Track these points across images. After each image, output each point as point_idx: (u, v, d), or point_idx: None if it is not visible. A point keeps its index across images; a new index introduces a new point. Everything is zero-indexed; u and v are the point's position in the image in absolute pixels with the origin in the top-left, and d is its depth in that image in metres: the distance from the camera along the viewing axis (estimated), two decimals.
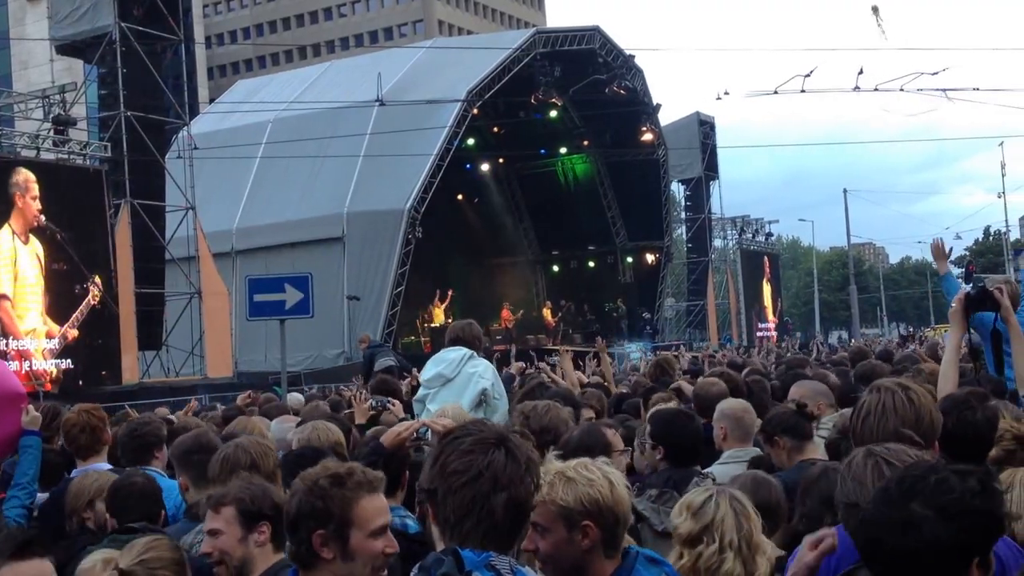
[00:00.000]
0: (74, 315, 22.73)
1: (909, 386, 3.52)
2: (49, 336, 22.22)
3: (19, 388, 6.38)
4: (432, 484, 2.64)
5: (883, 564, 2.35)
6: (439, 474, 2.62)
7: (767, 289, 55.52)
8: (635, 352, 33.11)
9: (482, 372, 7.16)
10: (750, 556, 3.46)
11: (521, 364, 11.88)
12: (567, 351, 11.57)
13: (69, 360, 22.59)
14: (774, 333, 52.80)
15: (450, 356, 7.26)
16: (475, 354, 7.29)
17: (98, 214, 23.90)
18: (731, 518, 3.49)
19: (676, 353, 22.94)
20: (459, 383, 7.06)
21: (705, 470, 5.22)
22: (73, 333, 22.62)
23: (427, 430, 4.94)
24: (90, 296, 23.03)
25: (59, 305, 22.53)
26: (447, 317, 33.83)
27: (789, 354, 22.24)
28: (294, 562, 3.19)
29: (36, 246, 22.20)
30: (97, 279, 23.23)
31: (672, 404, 6.75)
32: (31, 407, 6.16)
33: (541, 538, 2.83)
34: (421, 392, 7.35)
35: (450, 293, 36.07)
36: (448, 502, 2.59)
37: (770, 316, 54.99)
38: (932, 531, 2.26)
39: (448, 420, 5.00)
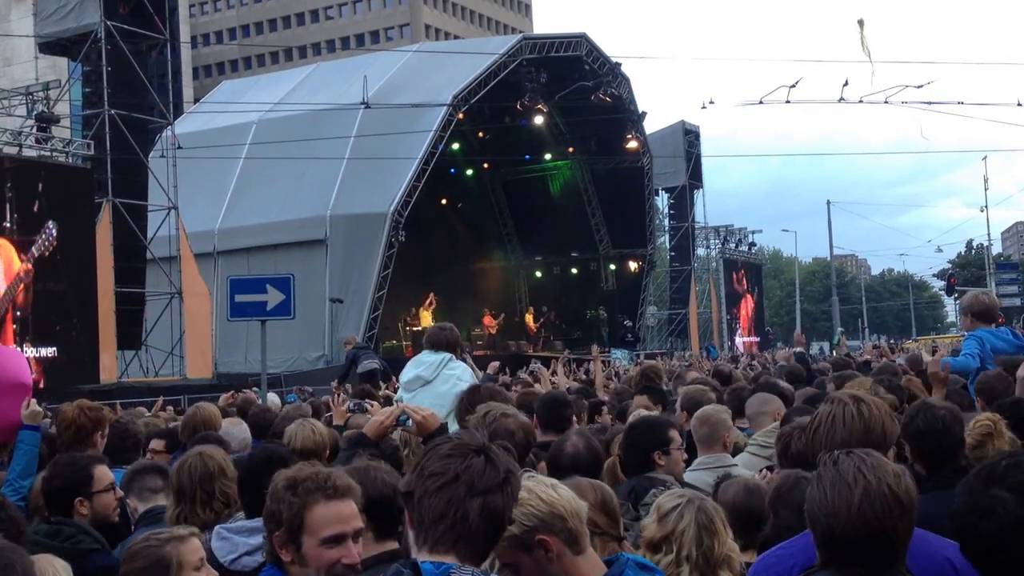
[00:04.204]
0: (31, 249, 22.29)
1: (862, 398, 3.52)
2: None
3: (25, 378, 6.31)
4: (410, 487, 2.62)
5: (976, 551, 2.50)
6: (417, 476, 2.61)
7: (748, 299, 55.72)
8: (623, 360, 33.14)
9: (460, 374, 7.26)
10: (709, 571, 3.44)
11: (496, 363, 12.21)
12: (563, 358, 11.99)
13: (53, 350, 22.50)
14: (751, 339, 53.02)
15: (429, 359, 7.36)
16: (453, 357, 7.37)
17: (83, 212, 23.84)
18: (693, 530, 3.47)
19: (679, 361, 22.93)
20: (438, 385, 7.15)
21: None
22: (27, 267, 22.25)
23: (407, 418, 4.94)
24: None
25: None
26: (434, 321, 33.73)
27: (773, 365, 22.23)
28: (267, 559, 3.21)
29: None
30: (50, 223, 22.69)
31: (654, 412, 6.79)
32: (33, 401, 6.10)
33: (519, 574, 2.81)
34: (400, 394, 7.40)
35: (434, 296, 35.93)
36: (423, 504, 2.57)
37: (745, 324, 55.21)
38: (1011, 511, 2.41)
39: (428, 410, 5.00)
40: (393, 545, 3.58)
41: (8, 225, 22.14)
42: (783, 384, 8.42)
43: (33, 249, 22.36)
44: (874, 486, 2.70)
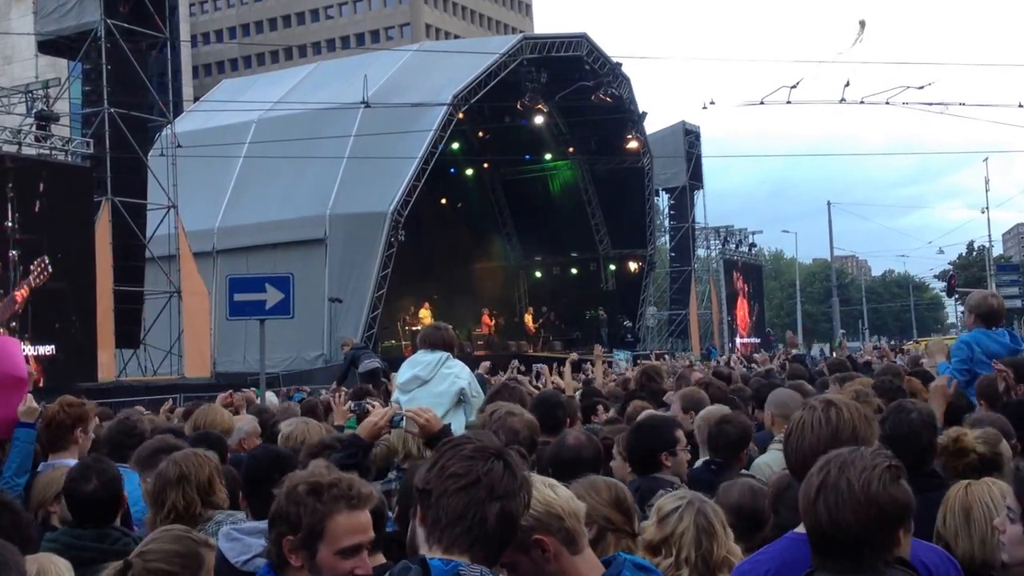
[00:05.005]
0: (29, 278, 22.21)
1: (834, 402, 3.48)
2: None
3: (21, 373, 6.22)
4: (428, 484, 2.61)
5: None
6: (437, 475, 2.61)
7: (742, 303, 55.66)
8: (624, 361, 33.09)
9: (458, 372, 7.28)
10: (708, 573, 3.42)
11: (487, 363, 12.29)
12: (572, 359, 12.03)
13: (52, 348, 22.40)
14: (750, 340, 52.97)
15: (426, 359, 7.34)
16: (450, 356, 7.37)
17: (82, 210, 23.78)
18: (692, 533, 3.45)
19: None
20: (436, 385, 7.13)
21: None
22: (23, 292, 22.15)
23: (402, 418, 4.89)
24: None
25: None
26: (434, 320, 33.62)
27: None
28: (268, 560, 3.16)
29: None
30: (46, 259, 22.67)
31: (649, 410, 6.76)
32: (30, 397, 6.02)
33: (517, 574, 2.79)
34: (397, 395, 7.36)
35: (429, 305, 35.87)
36: (441, 504, 2.57)
37: (743, 327, 55.15)
38: None
39: (430, 412, 4.95)
40: (381, 559, 3.57)
41: (10, 225, 22.06)
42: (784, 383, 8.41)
43: (30, 278, 22.32)
44: (832, 480, 2.67)
